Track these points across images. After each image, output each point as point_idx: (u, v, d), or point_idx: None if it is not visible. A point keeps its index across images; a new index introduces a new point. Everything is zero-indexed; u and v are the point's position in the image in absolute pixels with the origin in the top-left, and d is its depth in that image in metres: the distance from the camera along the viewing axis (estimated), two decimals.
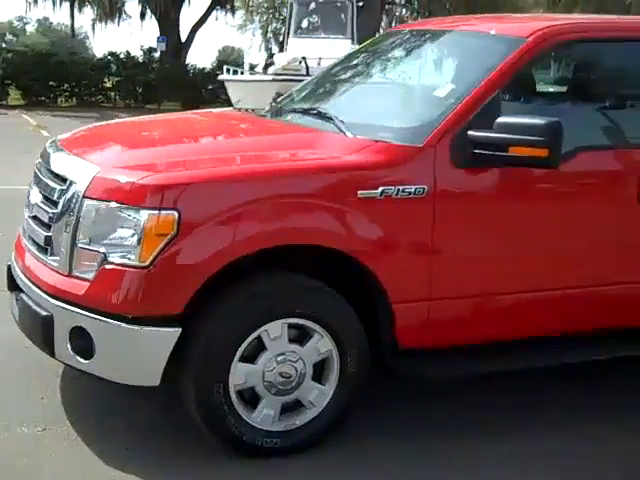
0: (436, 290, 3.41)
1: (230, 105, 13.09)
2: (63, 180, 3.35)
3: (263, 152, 3.50)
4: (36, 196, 3.56)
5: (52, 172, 3.50)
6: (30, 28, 67.04)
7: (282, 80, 14.12)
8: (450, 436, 3.60)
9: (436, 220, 3.34)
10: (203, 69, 26.14)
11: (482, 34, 4.00)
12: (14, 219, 4.00)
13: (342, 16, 19.16)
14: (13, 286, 3.60)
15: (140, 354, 3.13)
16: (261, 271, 3.27)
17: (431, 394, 3.96)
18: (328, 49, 14.88)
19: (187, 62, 27.99)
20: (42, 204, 3.46)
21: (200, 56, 31.83)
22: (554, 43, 3.68)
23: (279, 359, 3.24)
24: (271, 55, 20.38)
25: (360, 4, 21.44)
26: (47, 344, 3.25)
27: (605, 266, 3.76)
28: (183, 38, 29.45)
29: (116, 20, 31.19)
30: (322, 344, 3.30)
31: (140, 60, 25.82)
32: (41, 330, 3.25)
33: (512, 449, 3.51)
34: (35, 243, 3.48)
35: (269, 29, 35.20)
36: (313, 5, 19.37)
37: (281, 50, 21.13)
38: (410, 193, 3.28)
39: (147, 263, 3.02)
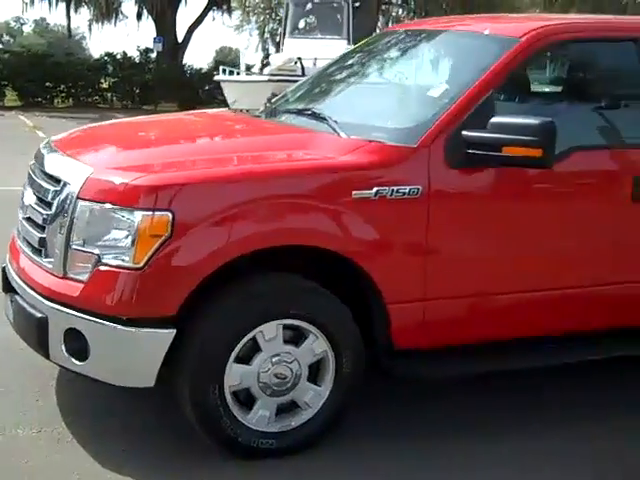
0: (431, 290, 3.41)
1: (227, 105, 13.10)
2: (57, 181, 3.35)
3: (257, 153, 3.50)
4: (30, 197, 3.56)
5: (46, 173, 3.50)
6: (27, 29, 67.09)
7: (278, 81, 14.13)
8: (448, 436, 3.60)
9: (430, 220, 3.34)
10: (200, 70, 26.16)
11: (476, 34, 4.00)
12: (9, 220, 3.99)
13: (338, 16, 19.16)
14: (8, 288, 3.60)
15: (135, 355, 3.12)
16: (256, 272, 3.27)
17: (427, 394, 3.96)
18: (324, 49, 14.88)
19: (184, 63, 28.00)
20: (36, 205, 3.45)
21: (197, 57, 31.99)
22: (548, 43, 3.69)
23: (274, 360, 3.23)
24: (267, 56, 20.38)
25: (356, 4, 21.48)
26: (42, 346, 3.25)
27: (600, 266, 3.76)
28: (180, 38, 29.47)
29: (113, 21, 31.19)
30: (317, 345, 3.29)
31: (137, 61, 25.81)
32: (36, 332, 3.24)
33: (511, 449, 3.51)
34: (29, 245, 3.47)
35: (266, 29, 35.19)
36: (309, 6, 19.38)
37: (278, 50, 21.13)
38: (404, 193, 3.28)
39: (141, 264, 3.02)
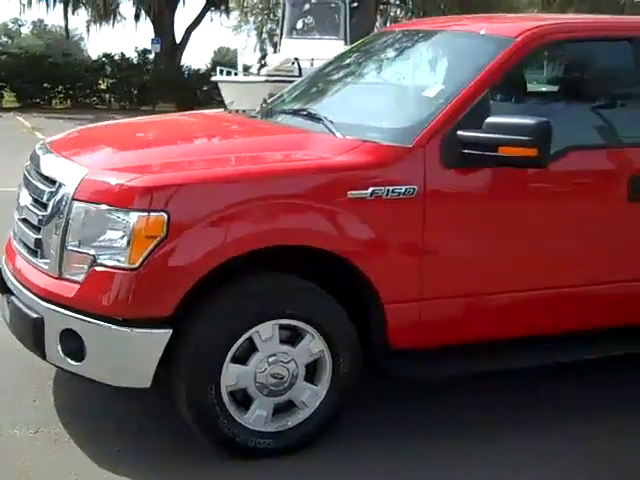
0: (427, 290, 3.41)
1: (225, 106, 13.09)
2: (52, 182, 3.35)
3: (252, 153, 3.51)
4: (26, 198, 3.56)
5: (41, 174, 3.50)
6: (25, 30, 66.97)
7: (275, 81, 14.13)
8: (444, 435, 3.60)
9: (426, 220, 3.34)
10: (198, 70, 26.13)
11: (472, 34, 4.01)
12: (7, 221, 3.99)
13: (335, 17, 19.16)
14: (4, 289, 3.59)
15: (131, 356, 3.12)
16: (252, 272, 3.27)
17: (424, 394, 3.96)
18: (321, 50, 14.87)
19: (182, 63, 27.97)
20: (32, 207, 3.45)
21: (195, 57, 31.94)
22: (543, 43, 3.70)
23: (271, 360, 3.23)
24: (264, 56, 20.36)
25: (354, 5, 21.45)
26: (38, 347, 3.25)
27: (596, 265, 3.76)
28: (178, 39, 29.44)
29: (111, 22, 31.13)
30: (314, 345, 3.30)
31: (135, 62, 25.78)
32: (32, 333, 3.24)
33: (507, 448, 3.51)
34: (25, 246, 3.47)
35: (264, 30, 35.18)
36: (306, 6, 19.38)
37: (275, 51, 21.12)
38: (400, 193, 3.28)
39: (137, 265, 3.02)
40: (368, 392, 3.67)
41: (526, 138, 3.18)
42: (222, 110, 4.99)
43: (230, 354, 3.17)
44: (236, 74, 17.70)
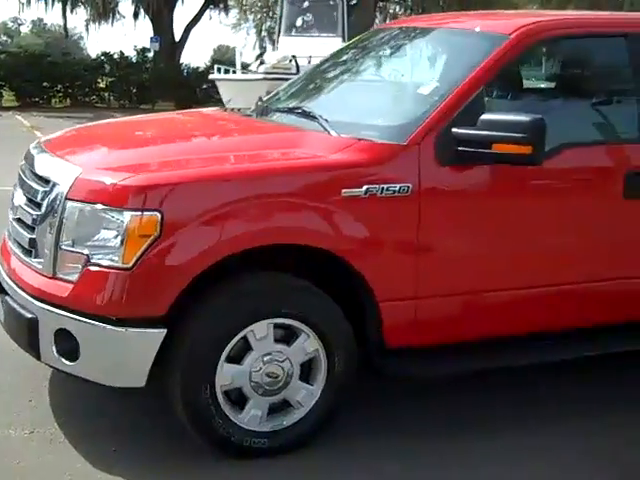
0: (422, 288, 3.40)
1: (223, 104, 13.08)
2: (46, 182, 3.34)
3: (247, 152, 3.50)
4: (20, 198, 3.55)
5: (36, 174, 3.49)
6: (24, 29, 66.93)
7: (272, 79, 14.11)
8: (442, 434, 3.59)
9: (421, 218, 3.33)
10: (197, 68, 26.10)
11: (468, 31, 4.01)
12: (2, 221, 3.98)
13: (334, 14, 19.13)
14: None
15: (125, 356, 3.12)
16: (247, 271, 3.26)
17: (421, 392, 3.95)
18: (318, 47, 14.85)
19: (181, 62, 27.95)
20: (26, 206, 3.45)
21: (195, 55, 31.89)
22: (538, 39, 3.69)
23: (265, 359, 3.23)
24: (261, 54, 20.33)
25: (353, 2, 21.43)
26: (32, 347, 3.24)
27: (592, 263, 3.75)
28: (177, 37, 29.41)
29: (110, 20, 31.12)
30: (309, 344, 3.29)
31: (134, 60, 25.77)
32: (26, 333, 3.24)
33: (506, 446, 3.51)
34: (19, 245, 3.47)
35: (263, 28, 35.15)
36: (305, 4, 19.34)
37: (274, 49, 21.10)
38: (395, 191, 3.27)
39: (130, 264, 3.01)
40: (364, 391, 3.66)
41: (520, 135, 3.18)
42: (217, 108, 4.97)
43: (225, 353, 3.16)
44: (234, 72, 17.68)
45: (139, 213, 3.00)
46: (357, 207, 3.24)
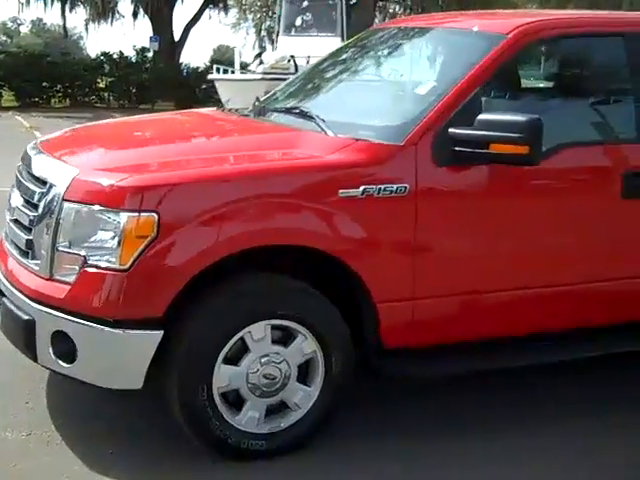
0: (420, 289, 3.39)
1: (221, 104, 13.07)
2: (43, 183, 3.34)
3: (243, 152, 3.49)
4: (17, 199, 3.55)
5: (33, 175, 3.48)
6: (24, 29, 66.97)
7: (271, 79, 14.09)
8: (440, 435, 3.59)
9: (418, 219, 3.32)
10: (197, 68, 26.08)
11: (465, 31, 4.00)
12: (0, 222, 3.97)
13: (333, 14, 19.12)
14: None
15: (122, 357, 3.11)
16: (244, 272, 3.25)
17: (419, 393, 3.94)
18: (317, 47, 14.84)
19: (181, 61, 27.94)
20: (23, 207, 3.44)
21: (194, 55, 31.87)
22: (535, 39, 3.68)
23: (263, 361, 3.22)
24: (260, 53, 20.30)
25: (352, 1, 21.39)
26: (29, 349, 3.24)
27: (590, 263, 3.74)
28: (176, 37, 29.40)
29: (109, 20, 31.10)
30: (306, 345, 3.28)
31: (133, 60, 25.75)
32: (23, 334, 3.23)
33: (505, 446, 3.50)
34: (16, 247, 3.46)
35: (263, 27, 35.15)
36: (304, 3, 19.33)
37: (274, 48, 21.09)
38: (392, 192, 3.26)
39: (127, 265, 3.00)
40: (361, 391, 3.66)
41: (517, 135, 3.17)
42: (215, 108, 4.96)
43: (222, 355, 3.15)
44: (233, 72, 17.66)
45: (136, 214, 2.99)
46: (354, 208, 3.23)
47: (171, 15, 29.03)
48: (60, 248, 3.14)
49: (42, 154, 3.63)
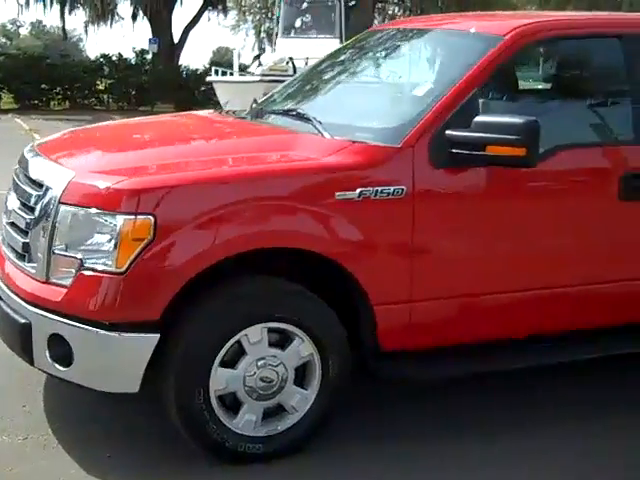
0: (417, 291, 3.38)
1: (220, 106, 13.07)
2: (40, 186, 3.33)
3: (240, 155, 3.48)
4: (14, 202, 3.54)
5: (29, 178, 3.48)
6: (23, 31, 66.93)
7: (269, 81, 14.10)
8: (438, 437, 3.58)
9: (415, 221, 3.31)
10: (196, 70, 26.07)
11: (463, 32, 4.00)
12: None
13: (332, 15, 19.11)
14: None
15: (119, 360, 3.10)
16: (240, 275, 3.24)
17: (417, 395, 3.93)
18: (316, 49, 14.85)
19: (180, 63, 27.93)
20: (19, 210, 3.43)
21: (194, 57, 31.85)
22: (532, 40, 3.68)
23: (260, 364, 3.21)
24: (258, 55, 20.31)
25: (351, 3, 21.39)
26: (26, 352, 3.23)
27: (588, 265, 3.73)
28: (176, 39, 29.40)
29: (108, 22, 31.10)
30: (303, 348, 3.27)
31: (132, 62, 25.74)
32: (19, 338, 3.22)
33: (504, 448, 3.50)
34: (13, 250, 3.45)
35: (262, 29, 35.14)
36: (303, 5, 19.32)
37: (273, 50, 21.09)
38: (389, 194, 3.26)
39: (124, 268, 3.00)
40: (359, 394, 3.65)
41: (514, 137, 3.16)
42: (212, 111, 4.96)
43: (219, 358, 3.14)
44: (232, 74, 17.66)
45: (132, 217, 2.98)
46: (351, 210, 3.22)
47: (170, 17, 29.04)
48: (56, 251, 3.14)
49: (39, 157, 3.63)
